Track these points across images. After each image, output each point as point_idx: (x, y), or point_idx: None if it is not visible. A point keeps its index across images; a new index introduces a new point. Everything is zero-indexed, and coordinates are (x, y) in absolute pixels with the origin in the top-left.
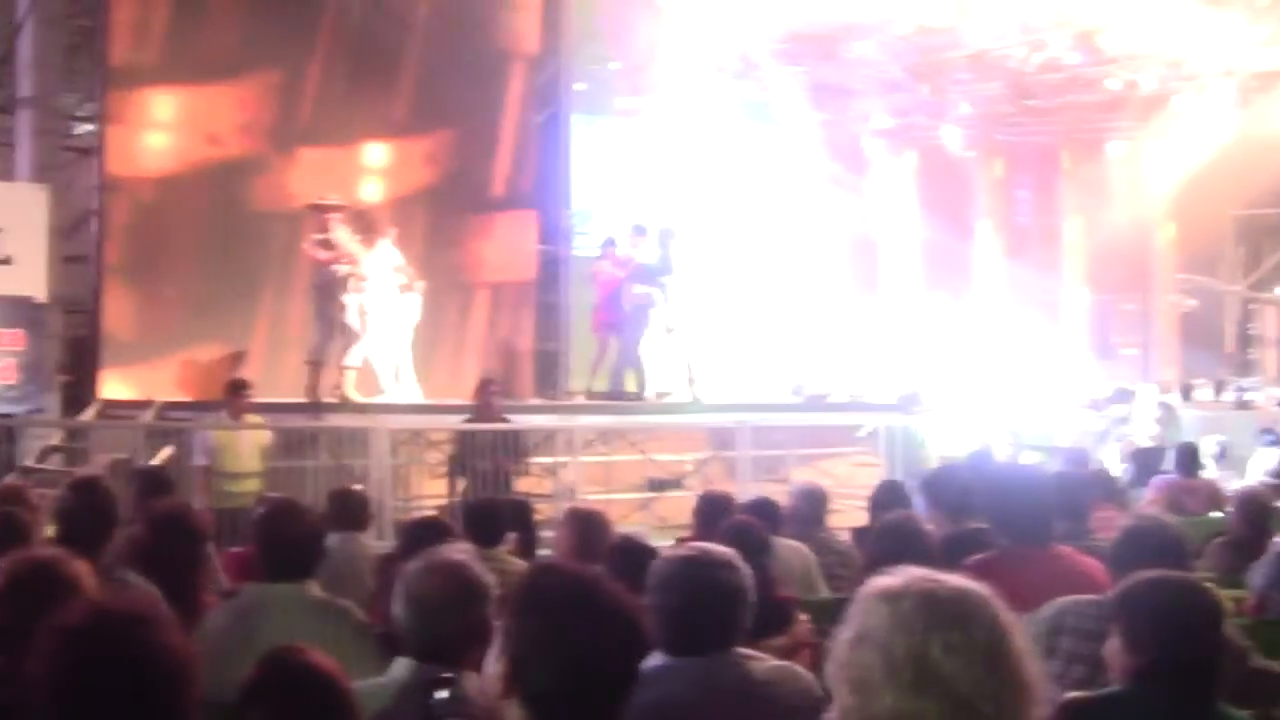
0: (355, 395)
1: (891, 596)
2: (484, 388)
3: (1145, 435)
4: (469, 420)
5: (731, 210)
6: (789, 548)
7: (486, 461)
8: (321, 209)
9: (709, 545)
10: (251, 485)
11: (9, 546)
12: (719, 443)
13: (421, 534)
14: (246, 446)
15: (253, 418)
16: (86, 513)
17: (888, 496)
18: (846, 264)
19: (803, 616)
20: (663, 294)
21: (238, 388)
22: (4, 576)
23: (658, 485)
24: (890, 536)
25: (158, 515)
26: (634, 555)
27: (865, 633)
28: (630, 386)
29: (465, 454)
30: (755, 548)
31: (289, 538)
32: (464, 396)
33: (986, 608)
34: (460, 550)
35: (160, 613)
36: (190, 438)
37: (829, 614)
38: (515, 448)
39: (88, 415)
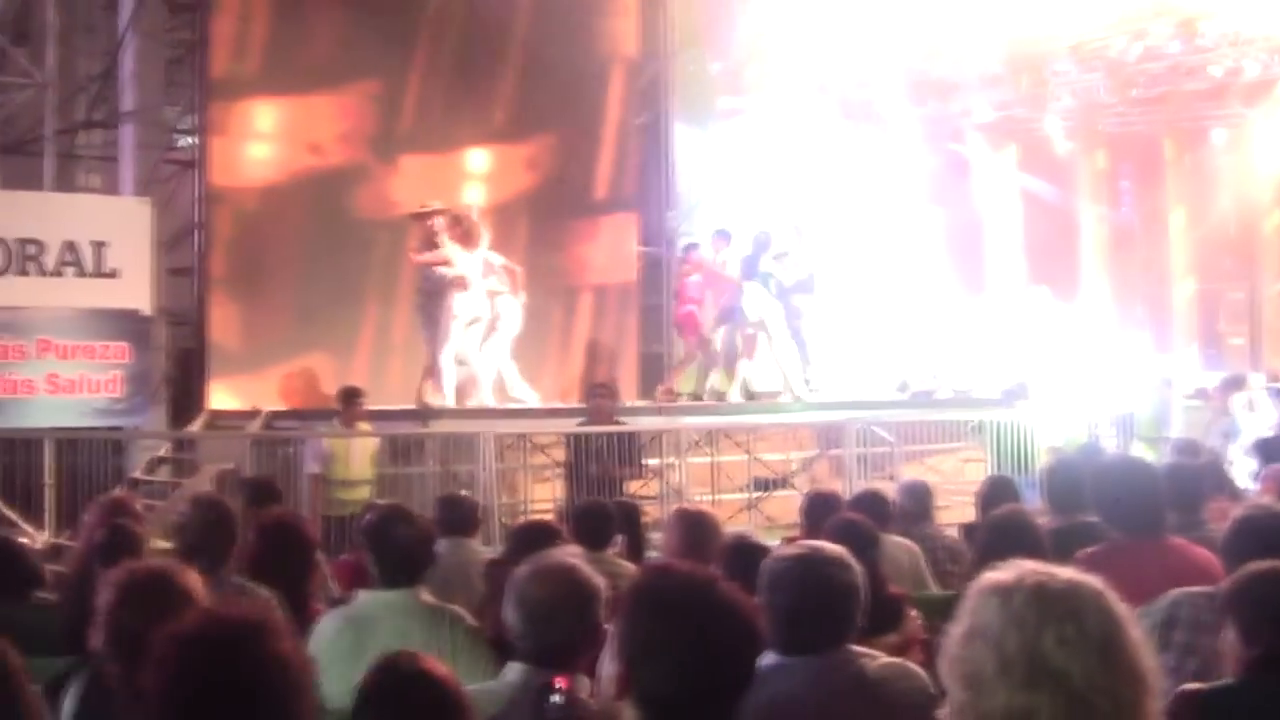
0: (434, 400)
1: (1003, 591)
2: (594, 391)
3: (1265, 425)
4: (582, 424)
5: (834, 208)
6: (897, 544)
7: (595, 465)
8: (422, 216)
9: (821, 543)
10: (363, 493)
11: (121, 557)
12: (825, 441)
13: (530, 538)
14: (358, 454)
15: (363, 425)
16: (207, 529)
17: (996, 491)
18: (949, 259)
19: (914, 613)
20: (752, 298)
21: (351, 396)
22: (118, 587)
23: (764, 485)
24: (1000, 531)
25: (266, 524)
26: (748, 555)
27: (977, 628)
28: (723, 387)
29: (575, 458)
30: (864, 544)
31: (399, 544)
32: (568, 400)
33: (1100, 600)
34: (570, 554)
35: (275, 620)
36: (299, 446)
37: (940, 610)
38: (627, 451)
39: (195, 426)
